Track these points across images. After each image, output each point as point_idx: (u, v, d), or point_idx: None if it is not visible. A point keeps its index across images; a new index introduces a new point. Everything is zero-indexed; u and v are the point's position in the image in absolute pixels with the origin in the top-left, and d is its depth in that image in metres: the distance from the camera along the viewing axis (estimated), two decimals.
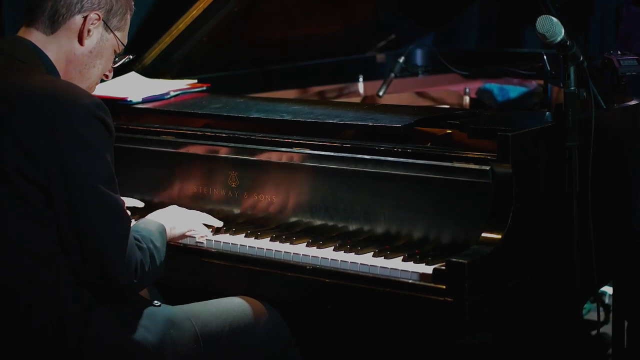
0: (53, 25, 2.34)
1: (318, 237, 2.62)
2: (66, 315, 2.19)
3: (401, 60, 3.60)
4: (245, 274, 2.63)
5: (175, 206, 2.69)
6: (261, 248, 2.59)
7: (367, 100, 3.67)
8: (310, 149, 2.68)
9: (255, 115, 2.82)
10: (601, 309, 3.80)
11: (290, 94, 3.62)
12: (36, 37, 2.35)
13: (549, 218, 2.51)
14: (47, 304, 2.18)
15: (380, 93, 3.55)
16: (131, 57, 2.55)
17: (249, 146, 2.78)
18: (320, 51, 3.89)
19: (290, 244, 2.59)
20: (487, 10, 4.86)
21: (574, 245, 2.44)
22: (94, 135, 2.19)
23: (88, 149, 2.18)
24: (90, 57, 2.39)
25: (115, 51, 2.44)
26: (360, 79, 3.82)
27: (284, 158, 2.72)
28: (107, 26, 2.38)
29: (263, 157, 2.75)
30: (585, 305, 3.83)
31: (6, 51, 2.33)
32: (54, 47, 2.35)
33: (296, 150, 2.69)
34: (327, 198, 2.67)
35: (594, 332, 3.50)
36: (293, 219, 2.73)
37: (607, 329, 3.50)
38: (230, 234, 2.70)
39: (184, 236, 2.66)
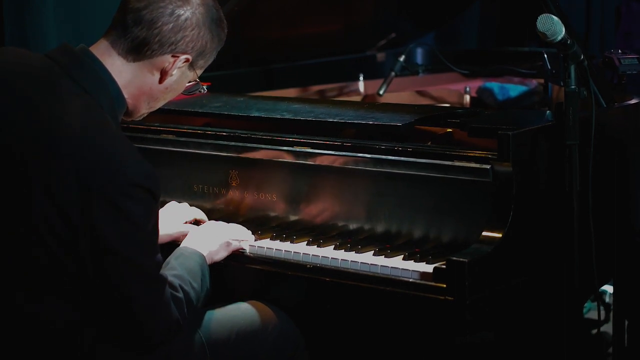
0: (137, 55, 2.18)
1: (318, 236, 2.62)
2: (73, 328, 2.14)
3: (402, 59, 3.60)
4: (245, 273, 2.63)
5: (212, 224, 2.60)
6: (262, 247, 2.59)
7: (368, 99, 3.67)
8: (311, 148, 2.68)
9: (256, 114, 2.82)
10: (602, 307, 3.79)
11: (291, 92, 3.62)
12: (112, 60, 2.19)
13: (550, 217, 2.51)
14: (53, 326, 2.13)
15: (381, 92, 3.55)
16: (202, 90, 2.42)
17: (249, 145, 2.77)
18: (320, 50, 3.89)
19: (290, 242, 2.59)
20: (488, 9, 4.86)
21: (574, 244, 2.44)
22: (134, 205, 2.05)
23: (124, 219, 2.04)
24: (164, 93, 2.26)
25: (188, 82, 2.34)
26: (361, 78, 3.82)
27: (285, 157, 2.72)
28: (192, 66, 2.26)
29: (264, 155, 2.75)
30: (586, 304, 3.83)
31: (70, 71, 2.14)
32: (129, 75, 2.20)
33: (297, 149, 2.69)
34: (327, 197, 2.67)
35: (594, 331, 3.50)
36: (293, 218, 2.73)
37: (608, 327, 3.50)
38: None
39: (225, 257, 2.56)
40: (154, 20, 2.18)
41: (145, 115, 2.34)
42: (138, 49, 2.19)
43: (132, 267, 2.08)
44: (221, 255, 2.52)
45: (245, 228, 2.64)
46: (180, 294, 2.22)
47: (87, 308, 2.13)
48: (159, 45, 2.19)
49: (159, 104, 2.32)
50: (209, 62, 2.33)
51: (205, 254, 2.42)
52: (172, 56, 2.21)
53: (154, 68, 2.22)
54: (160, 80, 2.24)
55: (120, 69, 2.20)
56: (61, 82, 2.14)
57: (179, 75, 2.26)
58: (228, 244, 2.55)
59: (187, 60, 2.23)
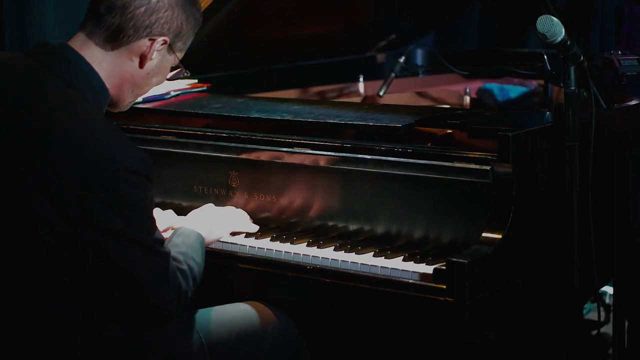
0: (114, 42, 2.19)
1: (318, 237, 2.62)
2: (73, 328, 2.14)
3: (401, 60, 3.60)
4: (246, 273, 2.63)
5: (210, 206, 2.66)
6: (262, 248, 2.59)
7: (368, 100, 3.67)
8: (311, 149, 2.68)
9: (256, 115, 2.82)
10: (602, 308, 3.79)
11: (291, 93, 3.62)
12: (91, 52, 2.20)
13: (549, 218, 2.51)
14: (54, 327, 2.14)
15: (381, 93, 3.55)
16: (187, 74, 2.44)
17: (249, 146, 2.78)
18: (320, 51, 3.89)
19: (290, 243, 2.59)
20: (488, 10, 4.86)
21: (574, 245, 2.44)
22: (131, 189, 2.08)
23: (124, 204, 2.07)
24: (147, 78, 2.27)
25: (171, 67, 2.34)
26: (361, 79, 3.82)
27: (285, 158, 2.72)
28: (171, 49, 2.27)
29: (264, 157, 2.75)
30: (586, 305, 3.83)
31: (53, 67, 2.17)
32: (109, 64, 2.21)
33: (297, 150, 2.69)
34: (327, 198, 2.67)
35: (594, 332, 3.50)
36: (293, 219, 2.73)
37: (608, 328, 3.50)
38: (230, 234, 2.70)
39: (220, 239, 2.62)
40: (126, 5, 2.19)
41: (131, 104, 2.35)
42: (114, 37, 2.20)
43: (136, 247, 2.11)
44: (216, 236, 2.57)
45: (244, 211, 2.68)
46: (185, 267, 2.25)
47: (87, 308, 2.13)
48: (134, 30, 2.20)
49: (144, 91, 2.32)
50: (188, 44, 2.33)
51: (204, 235, 2.46)
52: (149, 40, 2.22)
53: (133, 54, 2.23)
54: (141, 66, 2.24)
55: (100, 60, 2.21)
56: (47, 79, 2.16)
57: (159, 59, 2.27)
58: (222, 227, 2.59)
59: (164, 42, 2.24)
